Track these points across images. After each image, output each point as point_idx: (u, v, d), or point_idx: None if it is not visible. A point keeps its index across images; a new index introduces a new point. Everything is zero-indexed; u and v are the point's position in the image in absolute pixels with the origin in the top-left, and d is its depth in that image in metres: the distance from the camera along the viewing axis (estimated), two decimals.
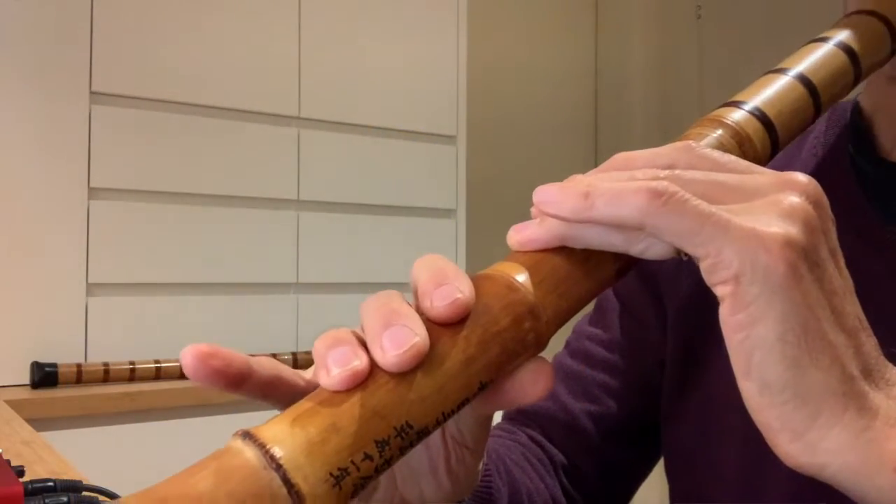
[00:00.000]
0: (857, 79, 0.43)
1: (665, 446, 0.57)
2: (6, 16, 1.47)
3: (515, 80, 2.54)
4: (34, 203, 1.49)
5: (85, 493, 0.65)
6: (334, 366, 0.27)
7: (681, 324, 0.55)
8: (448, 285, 0.29)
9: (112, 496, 0.65)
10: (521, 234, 0.33)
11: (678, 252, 0.30)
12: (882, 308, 0.45)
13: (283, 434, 0.26)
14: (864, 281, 0.46)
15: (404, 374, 0.27)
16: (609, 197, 0.30)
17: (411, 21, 1.96)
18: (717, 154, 0.32)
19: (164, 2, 1.63)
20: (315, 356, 0.29)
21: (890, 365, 0.31)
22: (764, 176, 0.31)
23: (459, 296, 0.29)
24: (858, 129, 0.53)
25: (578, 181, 0.32)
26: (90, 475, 0.73)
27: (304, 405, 0.27)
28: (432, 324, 0.29)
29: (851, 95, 0.51)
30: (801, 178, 0.31)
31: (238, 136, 1.72)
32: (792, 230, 0.28)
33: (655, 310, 0.58)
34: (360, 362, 0.27)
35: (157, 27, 1.63)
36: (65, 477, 0.69)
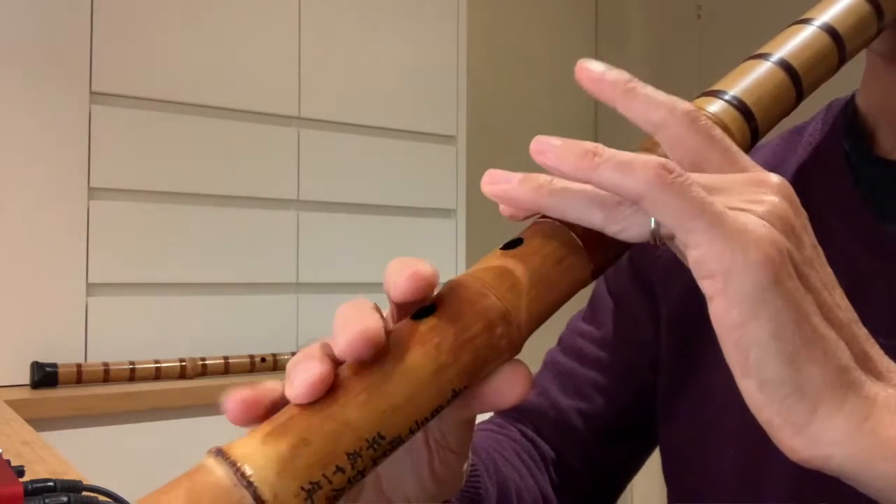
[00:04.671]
0: (842, 61, 0.43)
1: (662, 446, 0.58)
2: (6, 16, 1.47)
3: (515, 80, 2.55)
4: (34, 203, 1.49)
5: (85, 493, 0.65)
6: (296, 377, 0.28)
7: (675, 323, 0.55)
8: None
9: (112, 496, 0.65)
10: (497, 187, 0.33)
11: (653, 238, 0.30)
12: (875, 305, 0.45)
13: (254, 451, 0.26)
14: (858, 278, 0.46)
15: (375, 385, 0.28)
16: (616, 162, 0.29)
17: (411, 21, 1.96)
18: (710, 131, 0.32)
19: (164, 2, 1.63)
20: (286, 372, 0.30)
21: (884, 354, 0.31)
22: (737, 175, 0.31)
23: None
24: (854, 126, 0.53)
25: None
26: (90, 475, 0.73)
27: (276, 420, 0.27)
28: (403, 333, 0.29)
29: (837, 81, 0.50)
30: (774, 178, 0.31)
31: (238, 136, 1.72)
32: (777, 228, 0.29)
33: (648, 309, 0.58)
34: (319, 371, 0.27)
35: (157, 27, 1.63)
36: (65, 477, 0.69)
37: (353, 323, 0.28)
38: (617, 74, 0.33)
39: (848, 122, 0.54)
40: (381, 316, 0.30)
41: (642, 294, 0.58)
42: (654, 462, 0.62)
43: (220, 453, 0.26)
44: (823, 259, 0.31)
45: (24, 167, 1.49)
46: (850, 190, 0.50)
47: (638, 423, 0.59)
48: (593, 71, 0.33)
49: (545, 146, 0.31)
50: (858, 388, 0.29)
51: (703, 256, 0.28)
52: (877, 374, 0.30)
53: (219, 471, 0.26)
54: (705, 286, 0.29)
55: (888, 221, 0.48)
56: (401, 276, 0.30)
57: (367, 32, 1.90)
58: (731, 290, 0.28)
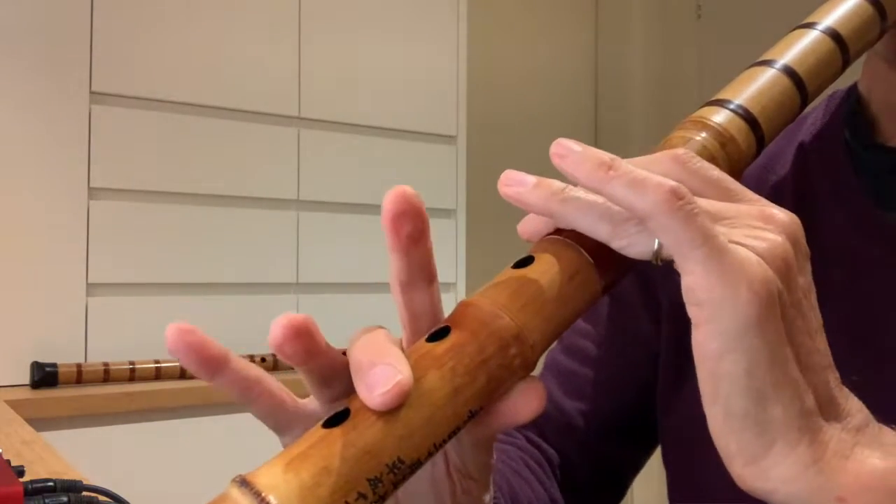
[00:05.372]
0: (846, 64, 0.43)
1: (662, 438, 0.58)
2: (6, 15, 1.47)
3: (515, 80, 2.54)
4: (34, 203, 1.49)
5: (85, 493, 0.65)
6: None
7: (675, 314, 0.55)
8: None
9: (112, 496, 0.66)
10: (511, 189, 0.33)
11: (655, 257, 0.31)
12: (873, 293, 0.46)
13: (277, 480, 0.26)
14: (857, 266, 0.46)
15: (392, 410, 0.28)
16: (630, 179, 0.29)
17: (411, 21, 1.97)
18: (708, 170, 0.33)
19: (163, 2, 1.63)
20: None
21: (851, 396, 0.32)
22: (747, 207, 0.31)
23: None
24: (856, 114, 0.53)
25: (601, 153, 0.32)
26: (90, 475, 0.73)
27: (296, 448, 0.27)
28: (418, 356, 0.29)
29: (843, 81, 0.50)
30: (782, 215, 0.31)
31: (238, 136, 1.72)
32: (772, 268, 0.29)
33: (647, 303, 0.58)
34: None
35: (157, 27, 1.63)
36: (65, 477, 0.69)
37: (386, 372, 0.28)
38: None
39: (850, 110, 0.54)
40: (399, 344, 0.30)
41: (641, 287, 0.58)
42: (652, 466, 0.62)
43: (245, 483, 0.26)
44: (813, 301, 0.32)
45: (24, 167, 1.49)
46: (850, 178, 0.50)
47: (639, 419, 0.59)
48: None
49: (565, 150, 0.31)
50: (815, 432, 0.30)
51: (695, 284, 0.29)
52: (836, 418, 0.31)
53: (244, 502, 0.26)
54: (692, 312, 0.29)
55: (888, 208, 0.48)
56: (387, 199, 0.30)
57: (367, 32, 1.90)
58: (715, 322, 0.29)
